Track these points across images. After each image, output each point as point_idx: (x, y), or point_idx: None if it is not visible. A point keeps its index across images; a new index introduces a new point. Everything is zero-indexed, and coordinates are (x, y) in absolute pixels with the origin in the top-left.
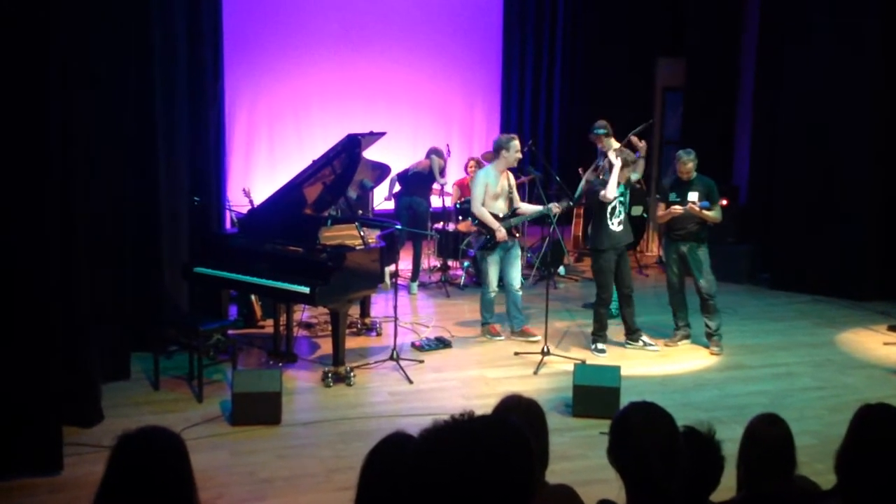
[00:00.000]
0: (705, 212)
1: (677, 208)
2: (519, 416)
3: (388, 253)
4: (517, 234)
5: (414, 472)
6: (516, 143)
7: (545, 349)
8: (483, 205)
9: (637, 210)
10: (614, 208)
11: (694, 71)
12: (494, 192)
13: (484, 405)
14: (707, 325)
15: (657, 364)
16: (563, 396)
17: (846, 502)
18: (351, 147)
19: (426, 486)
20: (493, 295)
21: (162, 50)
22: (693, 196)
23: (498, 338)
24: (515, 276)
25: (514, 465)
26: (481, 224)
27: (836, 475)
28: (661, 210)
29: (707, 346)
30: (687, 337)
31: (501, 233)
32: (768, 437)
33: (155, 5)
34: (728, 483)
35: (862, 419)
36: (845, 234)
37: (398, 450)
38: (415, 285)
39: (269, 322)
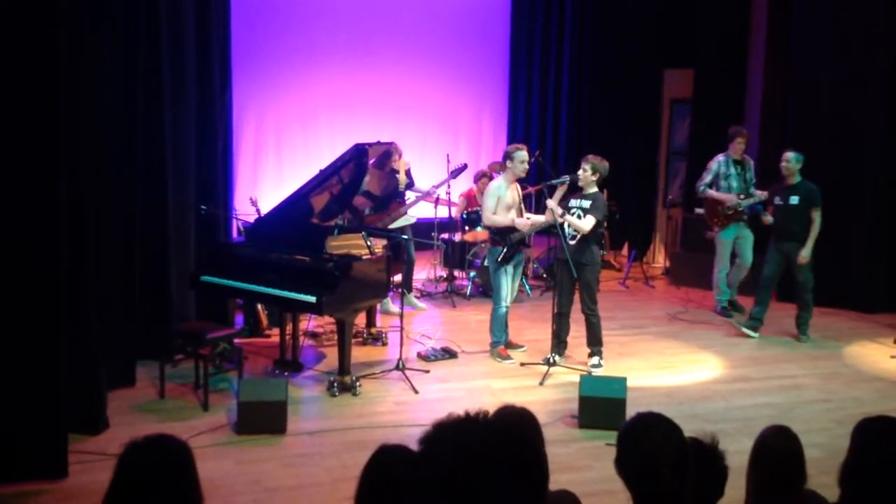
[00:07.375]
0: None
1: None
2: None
3: (395, 262)
4: (529, 246)
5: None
6: (521, 154)
7: (551, 360)
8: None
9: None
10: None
11: (701, 82)
12: (507, 204)
13: None
14: (799, 316)
15: (663, 375)
16: (569, 407)
17: None
18: (358, 157)
19: (432, 485)
20: (505, 310)
21: (170, 60)
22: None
23: (508, 361)
24: (514, 291)
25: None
26: (498, 233)
27: (840, 488)
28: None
29: (795, 335)
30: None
31: (525, 223)
32: (779, 450)
33: (164, 16)
34: (732, 495)
35: (862, 432)
36: (853, 246)
37: (394, 461)
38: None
39: (276, 331)
